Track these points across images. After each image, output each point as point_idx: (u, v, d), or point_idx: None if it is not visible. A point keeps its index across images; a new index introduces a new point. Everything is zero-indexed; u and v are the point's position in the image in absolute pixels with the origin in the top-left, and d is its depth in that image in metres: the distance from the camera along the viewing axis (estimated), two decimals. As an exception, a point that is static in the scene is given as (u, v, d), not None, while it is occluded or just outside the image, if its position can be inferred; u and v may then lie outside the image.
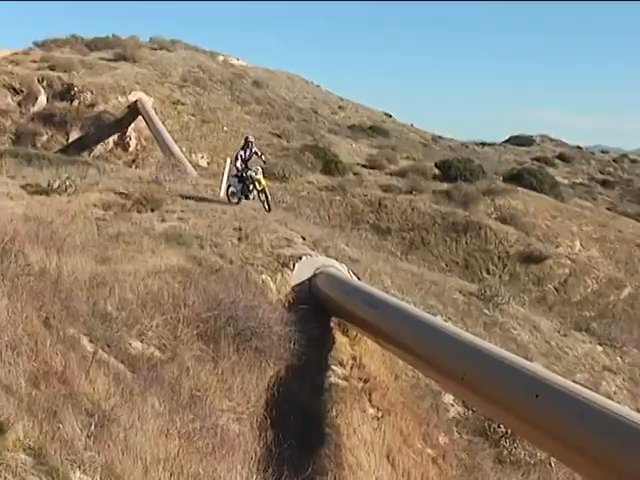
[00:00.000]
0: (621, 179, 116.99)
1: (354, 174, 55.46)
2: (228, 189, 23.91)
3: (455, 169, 56.85)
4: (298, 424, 12.71)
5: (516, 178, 61.27)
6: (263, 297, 16.02)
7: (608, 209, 76.76)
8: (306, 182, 49.34)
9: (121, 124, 54.83)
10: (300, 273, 17.90)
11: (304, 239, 19.76)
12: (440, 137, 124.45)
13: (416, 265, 28.33)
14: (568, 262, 44.70)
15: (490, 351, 11.31)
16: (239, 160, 23.06)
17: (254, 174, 22.63)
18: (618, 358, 23.38)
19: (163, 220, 20.09)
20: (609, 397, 17.40)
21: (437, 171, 57.70)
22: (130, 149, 53.98)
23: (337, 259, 19.19)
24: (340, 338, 16.76)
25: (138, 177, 26.53)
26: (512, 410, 10.05)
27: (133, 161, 51.75)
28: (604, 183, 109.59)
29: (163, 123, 52.70)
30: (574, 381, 14.84)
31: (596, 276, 43.92)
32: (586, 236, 51.16)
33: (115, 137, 54.39)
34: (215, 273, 16.27)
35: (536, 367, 11.31)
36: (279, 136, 59.77)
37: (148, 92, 58.69)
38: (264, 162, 24.29)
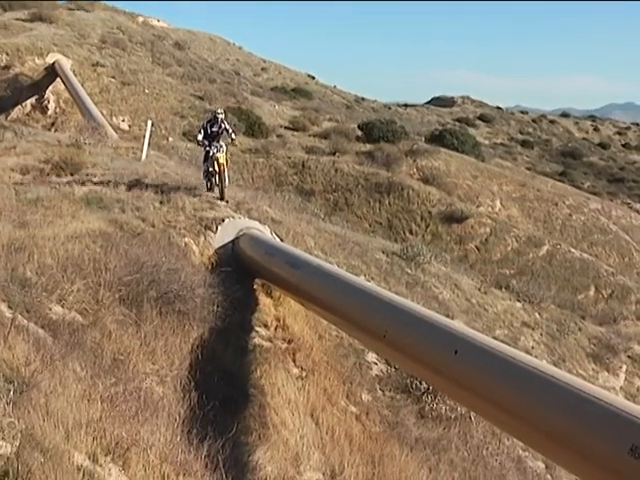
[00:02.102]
0: (540, 139, 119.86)
1: (277, 136, 55.51)
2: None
3: (378, 130, 57.23)
4: (222, 385, 12.75)
5: (438, 139, 62.13)
6: (186, 260, 15.93)
7: (528, 169, 78.54)
8: (229, 144, 49.05)
9: (39, 87, 53.51)
10: (223, 235, 17.84)
11: (227, 202, 19.68)
12: (363, 99, 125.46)
13: (340, 226, 28.45)
14: (489, 221, 45.48)
15: (411, 309, 11.46)
16: (201, 134, 19.59)
17: (215, 151, 19.35)
18: (536, 314, 23.95)
19: (83, 184, 19.79)
20: (527, 352, 17.85)
21: (360, 133, 58.05)
22: (49, 112, 52.75)
23: (260, 221, 19.17)
24: (264, 299, 16.81)
25: (57, 141, 26.04)
26: (432, 367, 10.22)
27: (52, 124, 50.62)
28: (524, 143, 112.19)
29: (82, 85, 51.59)
30: (494, 337, 15.21)
31: (516, 235, 44.79)
32: (506, 195, 52.16)
33: (33, 100, 53.08)
34: (137, 237, 16.11)
35: (456, 324, 11.53)
36: (201, 98, 59.14)
37: (66, 54, 57.34)
38: (232, 140, 20.14)
